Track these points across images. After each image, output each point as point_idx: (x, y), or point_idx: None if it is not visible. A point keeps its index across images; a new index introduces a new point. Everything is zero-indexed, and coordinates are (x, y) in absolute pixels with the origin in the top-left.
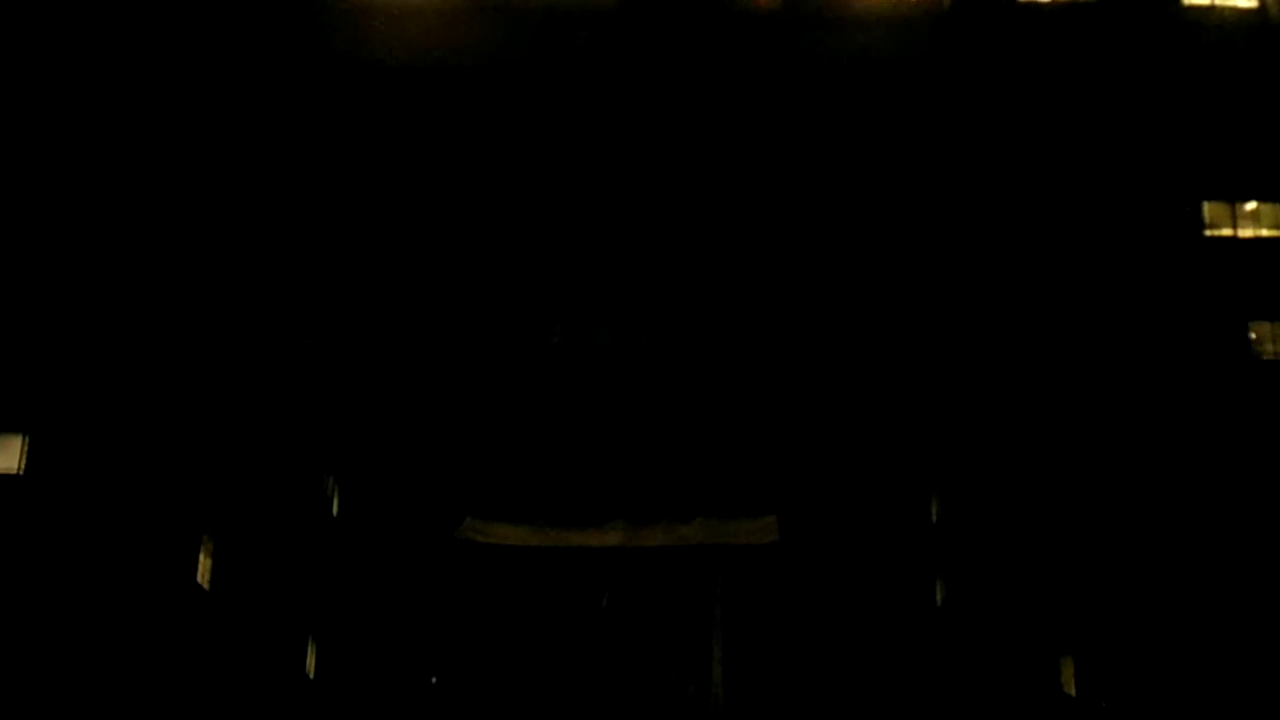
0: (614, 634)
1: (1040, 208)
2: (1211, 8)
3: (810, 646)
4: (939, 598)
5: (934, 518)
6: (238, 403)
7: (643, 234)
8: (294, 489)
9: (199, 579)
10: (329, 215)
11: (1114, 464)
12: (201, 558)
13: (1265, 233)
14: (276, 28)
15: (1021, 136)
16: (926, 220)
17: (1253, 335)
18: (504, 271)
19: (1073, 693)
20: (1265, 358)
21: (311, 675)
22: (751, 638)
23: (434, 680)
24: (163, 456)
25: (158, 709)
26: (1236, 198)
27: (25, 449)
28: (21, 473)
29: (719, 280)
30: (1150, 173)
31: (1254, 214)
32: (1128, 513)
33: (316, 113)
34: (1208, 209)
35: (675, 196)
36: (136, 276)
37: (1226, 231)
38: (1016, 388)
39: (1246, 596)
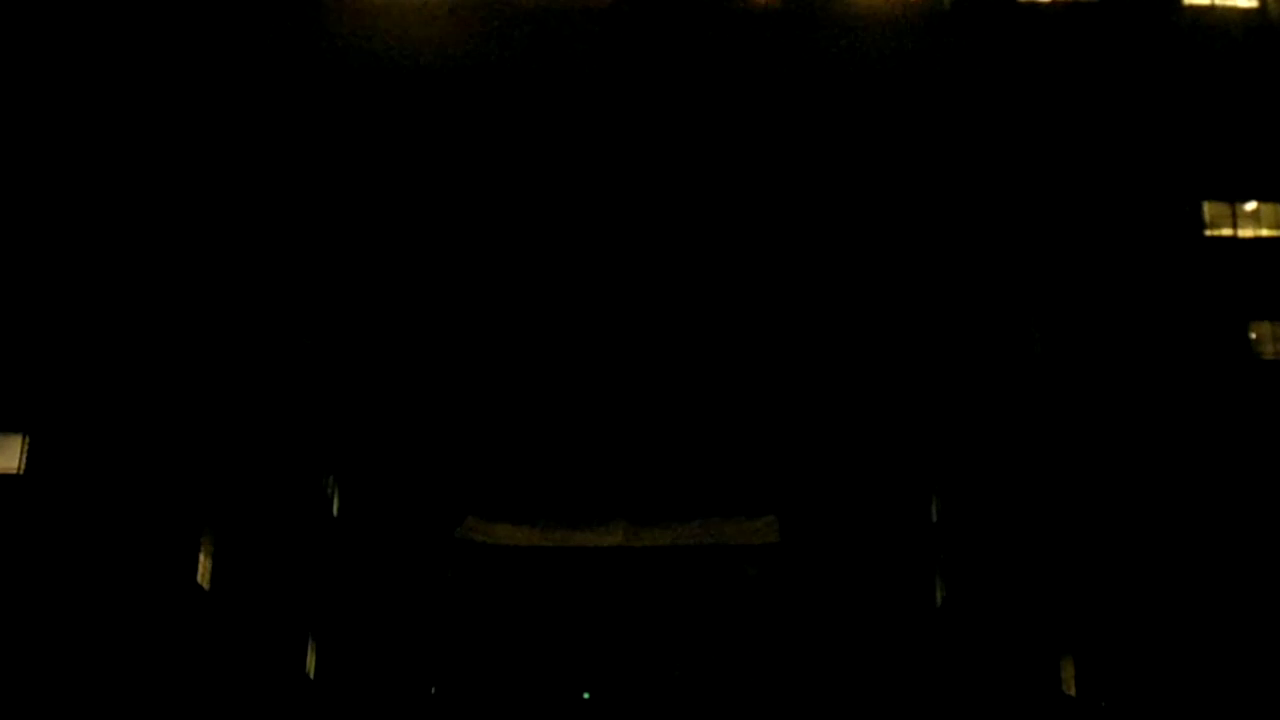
0: (613, 634)
1: (1040, 208)
2: (1211, 8)
3: (810, 646)
4: (939, 598)
5: (934, 518)
6: (238, 403)
7: (643, 234)
8: (294, 489)
9: (199, 579)
10: (329, 215)
11: (1114, 464)
12: (201, 558)
13: (1265, 233)
14: (277, 28)
15: (1022, 136)
16: (927, 221)
17: (1253, 335)
18: (504, 271)
19: (1073, 693)
20: (1265, 358)
21: (311, 675)
22: (751, 637)
23: (434, 690)
24: (163, 456)
25: (158, 709)
26: (1236, 198)
27: (25, 449)
28: (21, 473)
29: (719, 281)
30: (1150, 173)
31: (1254, 214)
32: (1127, 513)
33: (316, 112)
34: (1208, 209)
35: (675, 196)
36: (136, 276)
37: (1226, 231)
38: (1016, 389)
39: (1246, 596)
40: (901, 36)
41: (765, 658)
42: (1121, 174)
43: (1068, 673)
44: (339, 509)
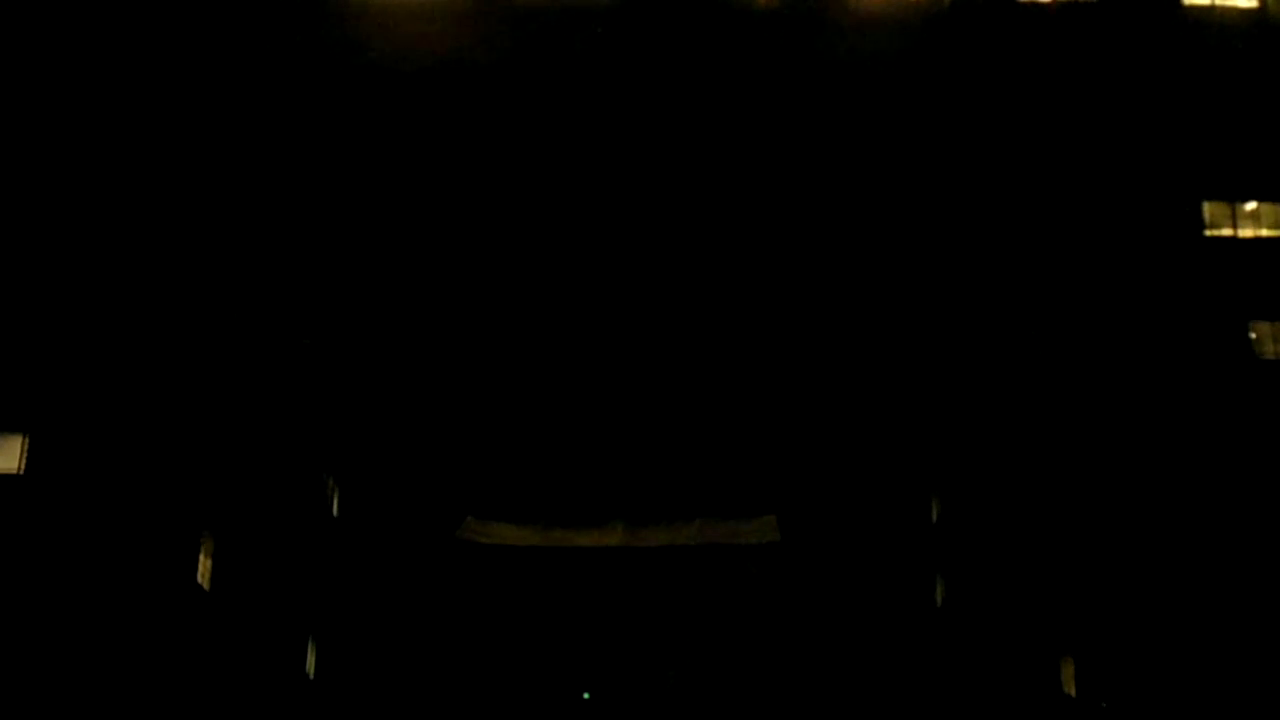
0: (613, 634)
1: (1040, 208)
2: (1211, 8)
3: (810, 646)
4: (939, 598)
5: (934, 518)
6: (237, 403)
7: (644, 234)
8: (294, 489)
9: (199, 579)
10: (329, 215)
11: (1114, 464)
12: (201, 558)
13: (1265, 233)
14: (277, 28)
15: (1021, 136)
16: (927, 220)
17: (1253, 335)
18: (504, 271)
19: (1073, 693)
20: (1265, 358)
21: (311, 675)
22: (751, 637)
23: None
24: (163, 456)
25: (158, 709)
26: (1236, 198)
27: (25, 449)
28: (21, 473)
29: (719, 280)
30: (1150, 173)
31: (1254, 214)
32: (1128, 513)
33: (317, 113)
34: (1208, 209)
35: (675, 196)
36: (136, 276)
37: (1226, 231)
38: (1016, 388)
39: (1246, 596)
40: (901, 36)
41: (765, 658)
42: (1121, 174)
43: (1068, 673)
44: (339, 509)
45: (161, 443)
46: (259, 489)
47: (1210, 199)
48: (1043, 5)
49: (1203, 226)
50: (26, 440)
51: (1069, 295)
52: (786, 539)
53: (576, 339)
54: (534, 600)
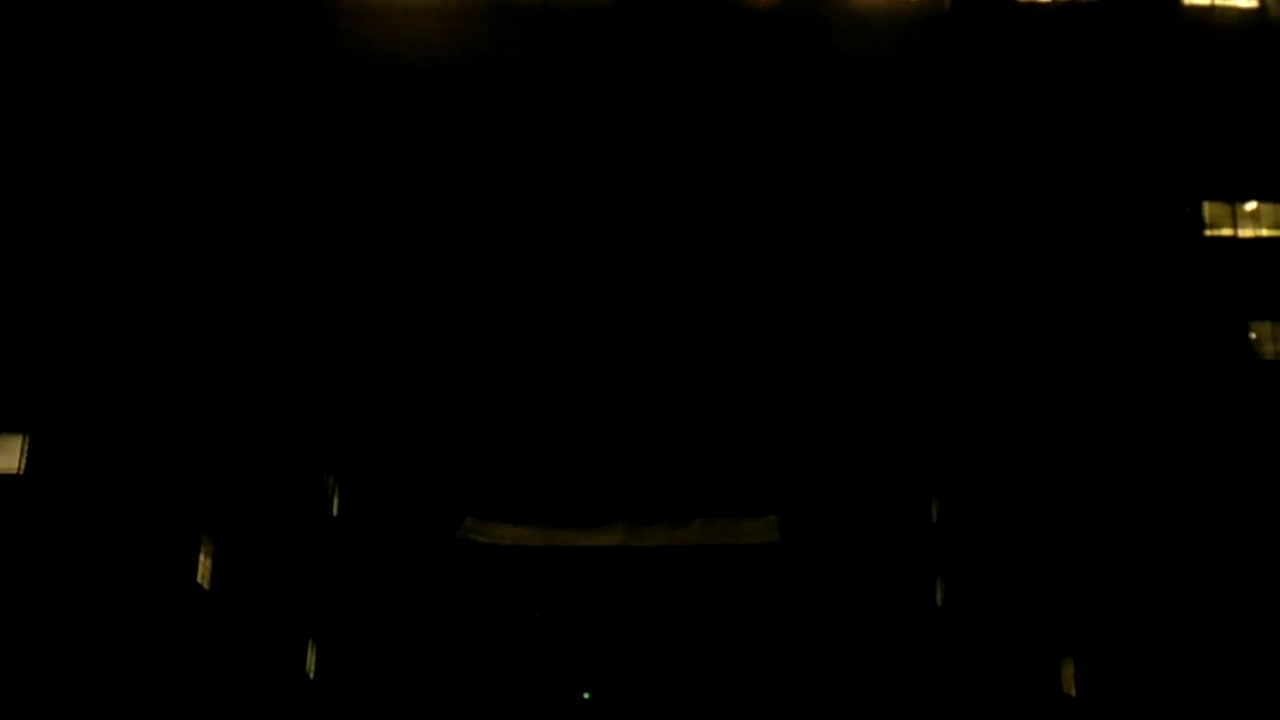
0: (613, 634)
1: (1040, 208)
2: (1211, 8)
3: (810, 646)
4: (939, 598)
5: (934, 518)
6: (237, 403)
7: (643, 234)
8: (294, 489)
9: (199, 579)
10: (329, 215)
11: (1114, 465)
12: (201, 558)
13: (1265, 233)
14: (278, 28)
15: (1021, 137)
16: (927, 221)
17: (1253, 335)
18: (504, 271)
19: (1073, 693)
20: (1265, 358)
21: (311, 675)
22: (751, 637)
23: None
24: (163, 456)
25: (158, 709)
26: (1236, 198)
27: (25, 449)
28: (21, 473)
29: (719, 281)
30: (1150, 173)
31: (1254, 214)
32: (1128, 513)
33: (317, 113)
34: (1208, 209)
35: (675, 196)
36: (136, 276)
37: (1226, 231)
38: (1016, 389)
39: (1246, 596)
40: (901, 36)
41: (765, 658)
42: (1121, 174)
43: (1068, 673)
44: (339, 509)
45: (161, 443)
46: (259, 489)
47: (1210, 199)
48: (1043, 5)
49: (1203, 226)
50: (26, 440)
51: (1069, 295)
52: (786, 539)
53: (576, 339)
54: (534, 600)
